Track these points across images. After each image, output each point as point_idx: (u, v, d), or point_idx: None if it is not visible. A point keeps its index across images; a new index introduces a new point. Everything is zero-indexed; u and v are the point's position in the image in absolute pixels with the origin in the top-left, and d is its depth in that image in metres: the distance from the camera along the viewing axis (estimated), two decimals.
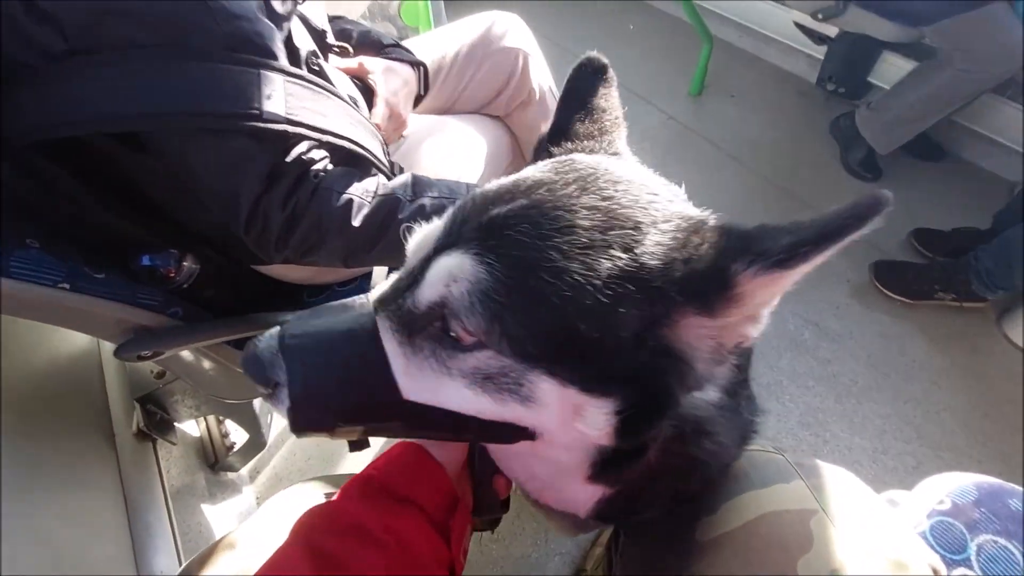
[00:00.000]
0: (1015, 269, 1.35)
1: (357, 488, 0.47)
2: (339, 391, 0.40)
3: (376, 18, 1.49)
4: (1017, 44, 1.41)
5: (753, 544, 0.52)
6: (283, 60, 0.65)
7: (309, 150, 0.66)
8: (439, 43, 1.12)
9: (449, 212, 0.40)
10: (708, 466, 0.49)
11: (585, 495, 0.50)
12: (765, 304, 0.36)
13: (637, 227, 0.36)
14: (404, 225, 0.70)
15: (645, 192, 0.39)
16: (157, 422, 1.02)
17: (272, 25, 0.65)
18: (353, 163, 0.73)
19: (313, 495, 0.62)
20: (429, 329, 0.38)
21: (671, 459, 0.46)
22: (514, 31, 1.14)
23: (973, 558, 0.65)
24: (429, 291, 0.37)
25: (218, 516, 1.14)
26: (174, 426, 1.09)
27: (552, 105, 1.22)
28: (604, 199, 0.37)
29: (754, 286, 0.33)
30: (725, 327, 0.36)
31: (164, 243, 0.71)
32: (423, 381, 0.39)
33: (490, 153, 1.10)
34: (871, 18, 1.56)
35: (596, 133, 0.51)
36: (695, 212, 0.40)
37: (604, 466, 0.44)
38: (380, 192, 0.71)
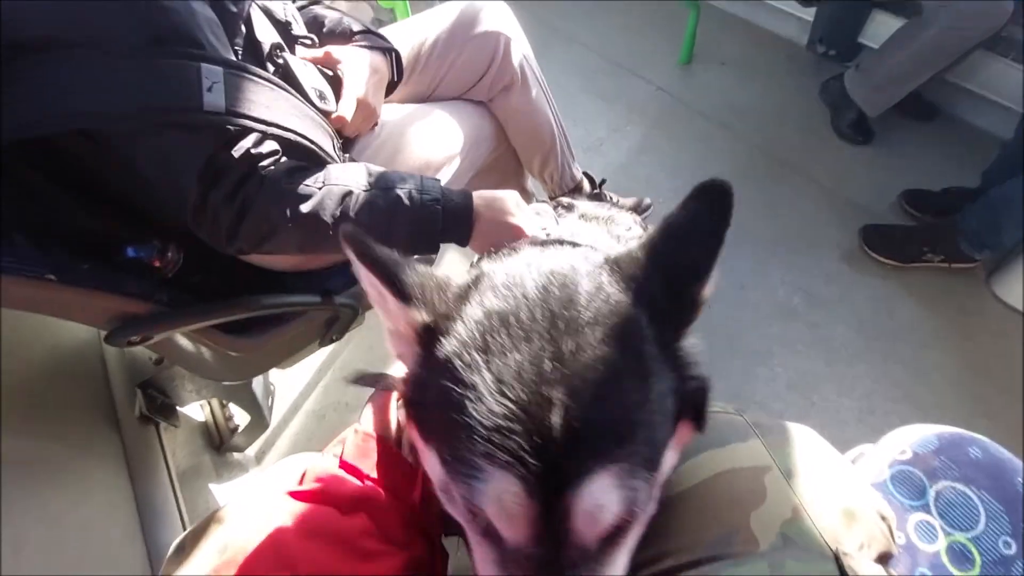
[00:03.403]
0: (1002, 228, 1.35)
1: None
2: None
3: None
4: None
5: (708, 501, 0.55)
6: (219, 50, 0.65)
7: (257, 144, 0.67)
8: (418, 29, 1.11)
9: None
10: None
11: None
12: None
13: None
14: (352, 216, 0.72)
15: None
16: (159, 406, 1.06)
17: (211, 17, 0.65)
18: (301, 157, 0.74)
19: (298, 467, 0.65)
20: None
21: None
22: (495, 15, 1.13)
23: (931, 504, 0.68)
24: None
25: (226, 496, 1.19)
26: (176, 410, 1.14)
27: (534, 87, 1.19)
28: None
29: None
30: None
31: (146, 235, 0.74)
32: None
33: (471, 140, 1.11)
34: None
35: None
36: None
37: None
38: (331, 182, 0.72)
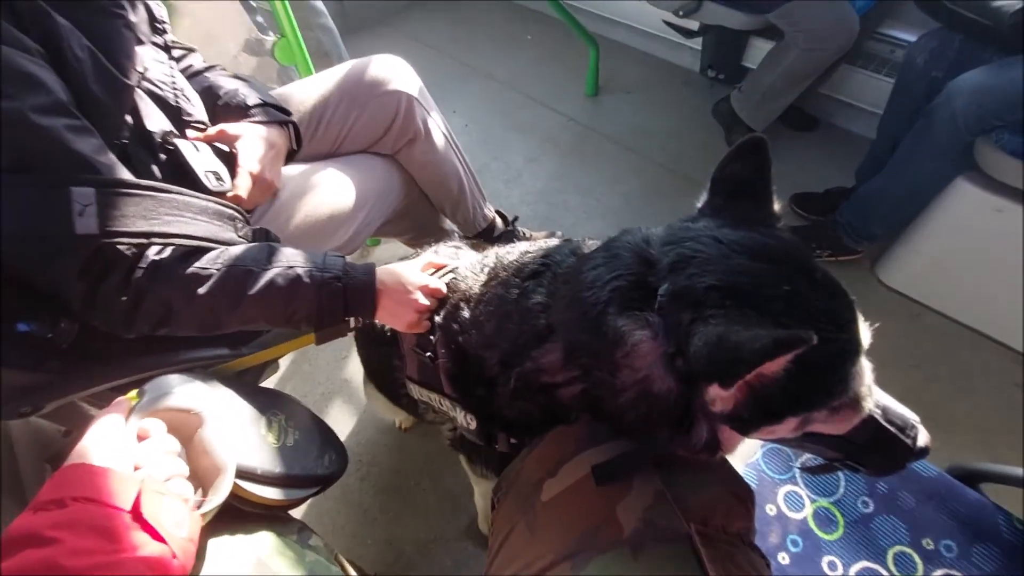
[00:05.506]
0: (870, 221, 1.50)
1: None
2: None
3: (256, 53, 1.52)
4: (847, 19, 1.58)
5: (580, 498, 0.59)
6: (92, 158, 0.64)
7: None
8: (319, 87, 1.14)
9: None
10: None
11: None
12: None
13: None
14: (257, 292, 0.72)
15: None
16: None
17: (84, 124, 0.65)
18: (195, 249, 0.73)
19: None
20: None
21: None
22: (394, 72, 1.16)
23: (798, 476, 0.75)
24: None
25: None
26: None
27: (439, 139, 1.21)
28: None
29: None
30: None
31: (37, 309, 0.73)
32: None
33: (377, 191, 1.14)
34: (723, 10, 1.70)
35: None
36: None
37: None
38: (229, 263, 0.72)
